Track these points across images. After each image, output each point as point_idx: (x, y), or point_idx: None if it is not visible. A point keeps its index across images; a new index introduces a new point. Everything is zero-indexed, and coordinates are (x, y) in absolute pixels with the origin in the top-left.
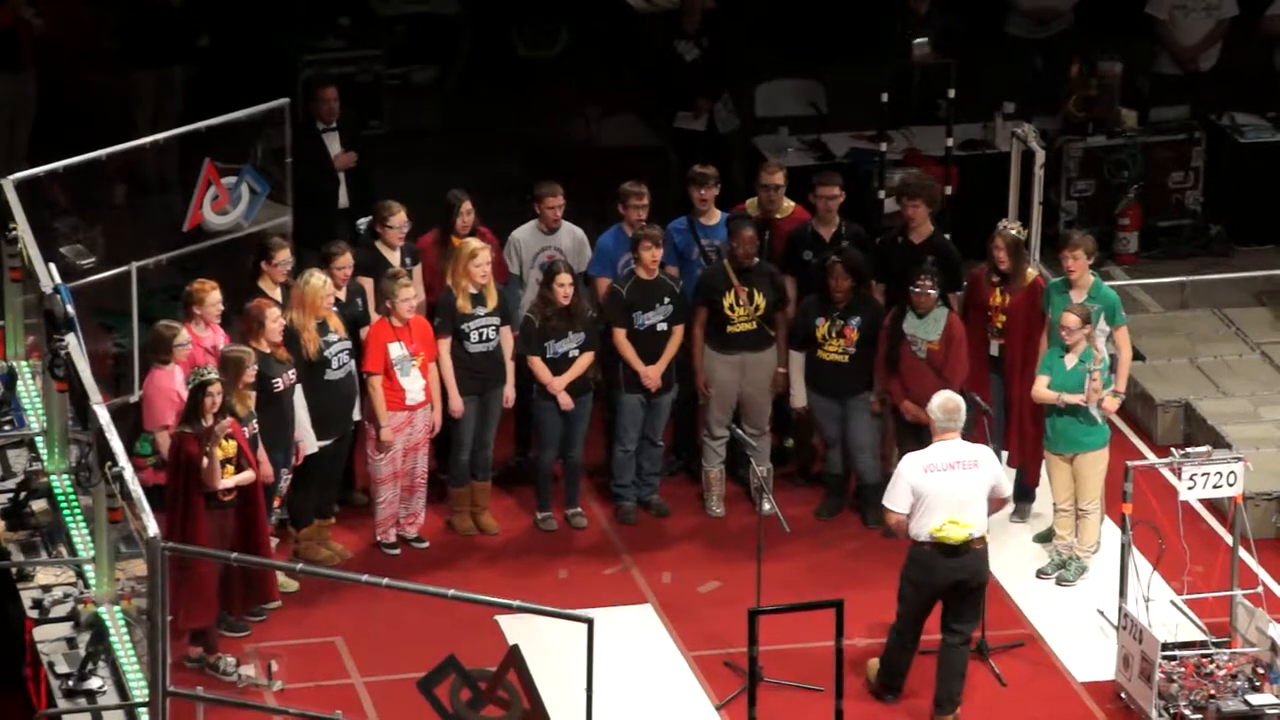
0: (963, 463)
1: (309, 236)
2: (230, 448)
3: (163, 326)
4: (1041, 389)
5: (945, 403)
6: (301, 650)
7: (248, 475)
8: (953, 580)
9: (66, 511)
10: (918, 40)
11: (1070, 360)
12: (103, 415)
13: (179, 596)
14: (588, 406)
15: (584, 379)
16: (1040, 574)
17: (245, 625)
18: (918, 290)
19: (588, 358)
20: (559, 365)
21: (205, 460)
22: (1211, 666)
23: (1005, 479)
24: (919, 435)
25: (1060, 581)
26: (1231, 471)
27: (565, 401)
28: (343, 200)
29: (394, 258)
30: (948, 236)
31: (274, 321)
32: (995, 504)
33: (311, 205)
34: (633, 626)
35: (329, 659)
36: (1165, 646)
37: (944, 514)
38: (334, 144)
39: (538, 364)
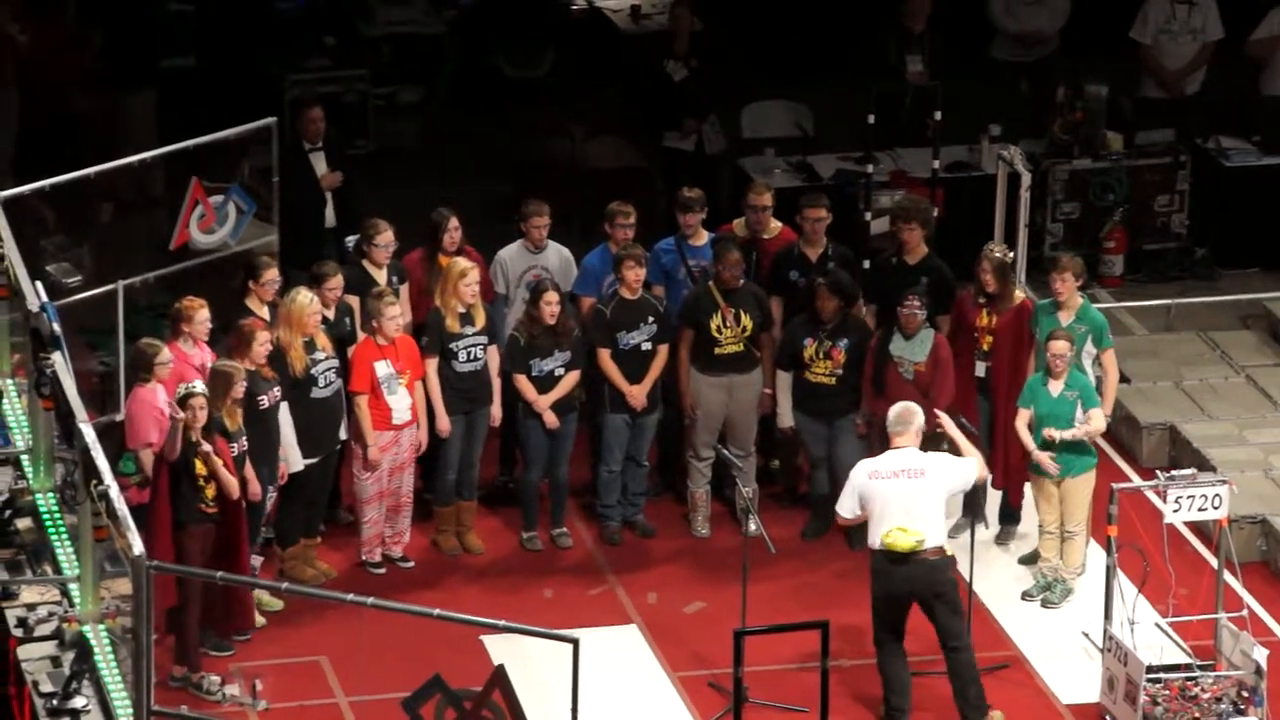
0: (908, 471)
1: (296, 256)
2: (214, 463)
3: (145, 344)
4: (1022, 428)
5: (899, 410)
6: (286, 669)
7: (232, 483)
8: (907, 590)
9: (51, 530)
10: (911, 58)
11: (1055, 387)
12: (88, 433)
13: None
14: (573, 425)
15: (569, 398)
16: (1025, 596)
17: (230, 644)
18: (905, 311)
19: (573, 376)
20: (544, 384)
21: (171, 419)
22: (1196, 689)
23: (960, 473)
24: None
25: (1045, 604)
26: (1216, 494)
27: (551, 420)
28: (329, 220)
29: (381, 276)
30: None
31: (262, 344)
32: (983, 491)
33: (298, 225)
34: (618, 647)
35: (314, 678)
36: (1150, 669)
37: (891, 521)
38: (320, 164)
39: (523, 382)
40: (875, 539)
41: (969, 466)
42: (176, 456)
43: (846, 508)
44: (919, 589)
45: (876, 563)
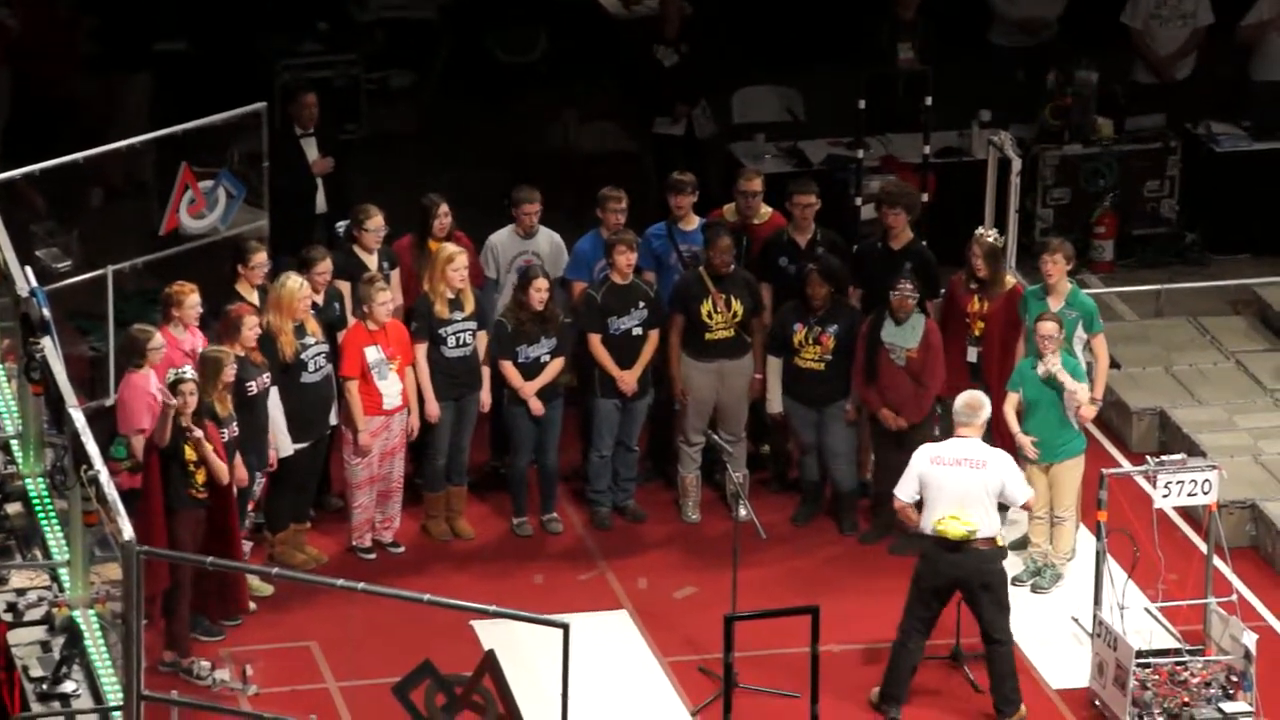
0: (970, 460)
1: (287, 241)
2: (199, 450)
3: (137, 330)
4: (1009, 411)
5: (968, 399)
6: (276, 655)
7: (222, 469)
8: (953, 577)
9: (41, 515)
10: (902, 45)
11: (1053, 359)
12: (78, 418)
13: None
14: (559, 411)
15: (554, 384)
16: (1015, 581)
17: (220, 629)
18: (898, 294)
19: (559, 363)
20: (530, 370)
21: (162, 405)
22: (1186, 674)
23: (1019, 485)
24: (898, 442)
25: (1035, 589)
26: (1206, 480)
27: (536, 407)
28: (320, 205)
29: (371, 261)
30: (925, 244)
31: (250, 329)
32: (1025, 508)
33: (289, 210)
34: (608, 632)
35: (304, 663)
36: (1140, 654)
37: (945, 508)
38: (312, 149)
39: (509, 368)
40: (927, 524)
41: (1026, 488)
42: (166, 443)
43: (907, 491)
44: (966, 577)
45: (926, 548)
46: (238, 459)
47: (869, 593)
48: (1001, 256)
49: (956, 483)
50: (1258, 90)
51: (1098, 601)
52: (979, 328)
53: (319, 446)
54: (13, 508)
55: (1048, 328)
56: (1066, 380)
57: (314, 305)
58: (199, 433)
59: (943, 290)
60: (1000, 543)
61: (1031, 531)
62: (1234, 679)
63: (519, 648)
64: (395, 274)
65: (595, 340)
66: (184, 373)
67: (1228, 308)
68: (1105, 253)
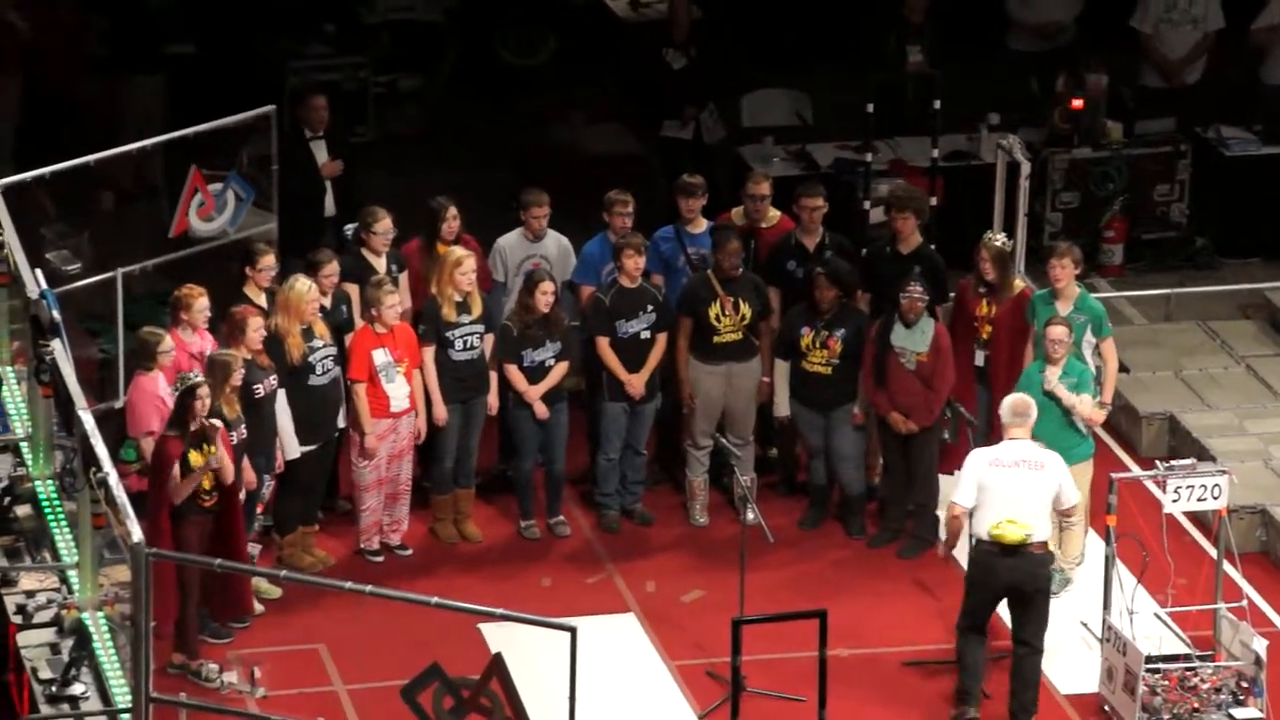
0: (1029, 462)
1: (296, 244)
2: (206, 454)
3: (147, 333)
4: None
5: (1015, 402)
6: (284, 657)
7: (229, 469)
8: (1009, 582)
9: (51, 517)
10: (911, 48)
11: (1054, 373)
12: (88, 421)
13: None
14: (564, 415)
15: (559, 388)
16: None
17: (228, 632)
18: (907, 298)
19: (563, 367)
20: (535, 374)
21: (176, 472)
22: (1195, 680)
23: (1072, 487)
24: (906, 446)
25: None
26: (1216, 484)
27: (541, 410)
28: (329, 208)
29: (379, 264)
30: (934, 248)
31: (255, 330)
32: (1064, 513)
33: (298, 213)
34: (616, 635)
35: (312, 666)
36: (1149, 659)
37: (1001, 512)
38: (321, 152)
39: (514, 372)
40: (982, 529)
41: (1076, 491)
42: (180, 500)
43: (966, 497)
44: (1021, 582)
45: (980, 554)
46: (245, 462)
47: (877, 596)
48: (1010, 260)
49: (1014, 485)
50: (1268, 94)
51: (1107, 606)
52: (987, 331)
53: (327, 449)
54: (22, 510)
55: (1058, 332)
56: (1064, 396)
57: (322, 308)
58: (218, 422)
59: (952, 294)
60: (1051, 547)
61: None
62: (1244, 685)
63: (526, 650)
64: (403, 277)
65: (603, 344)
66: (194, 378)
67: (1237, 312)
68: (1115, 257)
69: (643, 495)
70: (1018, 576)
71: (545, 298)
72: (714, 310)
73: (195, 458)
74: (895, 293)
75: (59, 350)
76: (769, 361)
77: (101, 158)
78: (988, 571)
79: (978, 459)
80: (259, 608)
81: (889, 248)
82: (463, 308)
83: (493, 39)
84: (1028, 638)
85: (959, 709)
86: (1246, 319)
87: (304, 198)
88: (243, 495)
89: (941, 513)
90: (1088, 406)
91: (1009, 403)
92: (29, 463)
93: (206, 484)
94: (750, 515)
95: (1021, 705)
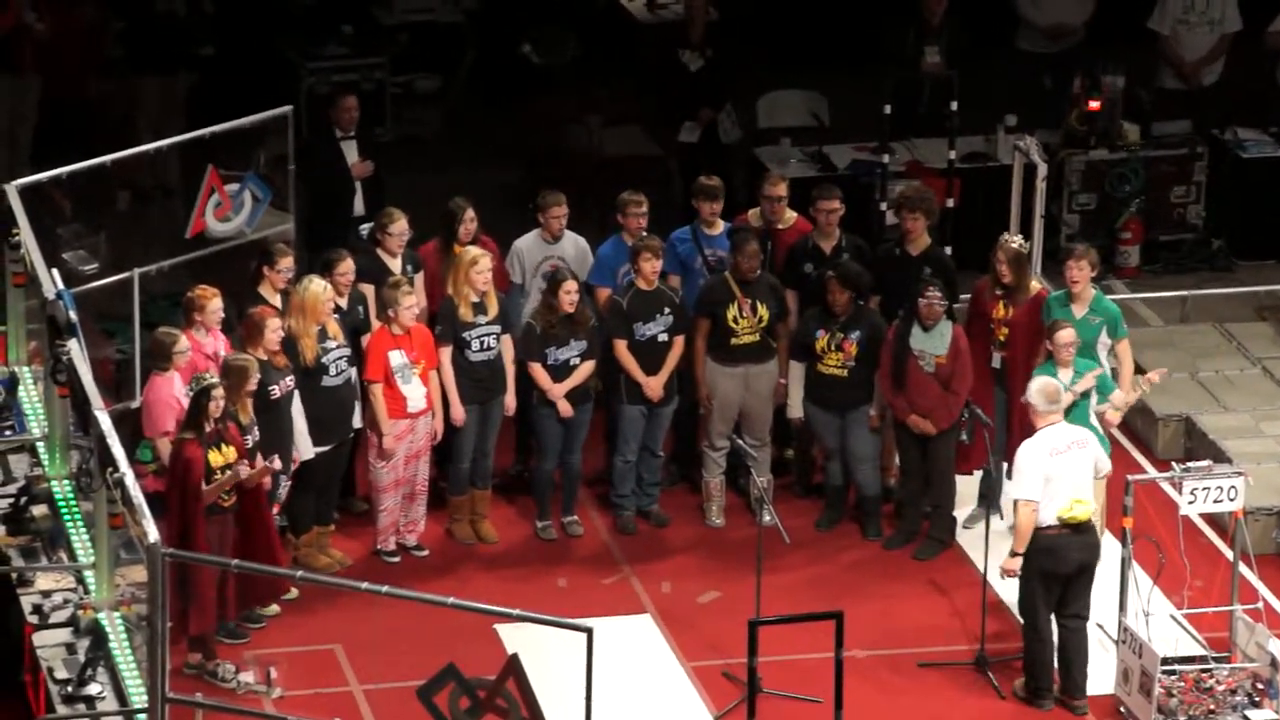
0: (1078, 442)
1: (323, 244)
2: (230, 453)
3: (162, 333)
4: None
5: (1044, 387)
6: (301, 657)
7: (244, 470)
8: (1080, 560)
9: (67, 517)
10: (928, 50)
11: (1064, 376)
12: (104, 421)
13: (179, 604)
14: (587, 415)
15: (584, 387)
16: None
17: (244, 632)
18: (925, 302)
19: (589, 366)
20: (560, 373)
21: (206, 484)
22: (1211, 681)
23: (1104, 455)
24: (923, 446)
25: None
26: (1232, 486)
27: (565, 409)
28: (358, 208)
29: (395, 265)
30: (947, 250)
31: (273, 331)
32: (999, 482)
33: (327, 213)
34: (632, 636)
35: (328, 666)
36: (1165, 661)
37: (1069, 494)
38: (351, 152)
39: (538, 370)
40: (1050, 516)
41: (1107, 459)
42: (209, 502)
43: (1034, 490)
44: (1090, 557)
45: (1050, 540)
46: (259, 458)
47: (893, 598)
48: (1027, 262)
49: (1073, 467)
50: None
51: (1123, 608)
52: (1003, 333)
53: (340, 450)
54: (39, 510)
55: (1066, 336)
56: (1084, 382)
57: (338, 308)
58: (229, 429)
59: (965, 295)
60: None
61: None
62: (1260, 686)
63: (543, 651)
64: (419, 278)
65: (621, 346)
66: (210, 379)
67: (1254, 314)
68: (1131, 258)
69: (659, 496)
70: (1086, 553)
71: (569, 297)
72: (732, 312)
73: (215, 457)
74: (912, 296)
75: (75, 350)
76: (785, 363)
77: (118, 158)
78: (1061, 555)
79: (1035, 451)
80: (275, 608)
81: (898, 249)
82: (479, 308)
83: (511, 41)
84: (1079, 610)
85: (1040, 700)
86: (1263, 321)
87: (331, 197)
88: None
89: (960, 514)
90: (1111, 415)
91: (1041, 389)
92: (46, 463)
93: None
94: (767, 516)
95: (1075, 684)
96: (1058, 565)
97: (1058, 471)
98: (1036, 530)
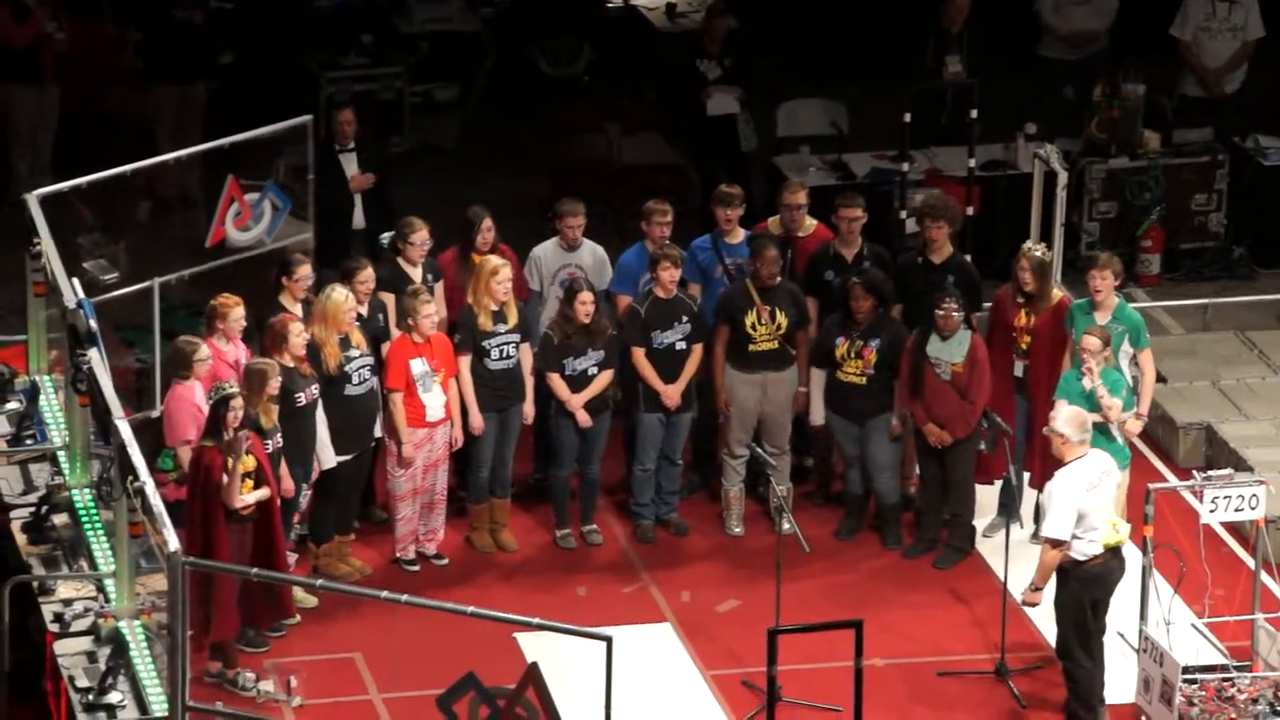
0: (1107, 471)
1: (324, 255)
2: (250, 462)
3: (183, 342)
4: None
5: (1074, 417)
6: (320, 666)
7: (264, 492)
8: (1121, 578)
9: (88, 526)
10: (948, 58)
11: (1089, 383)
12: (124, 430)
13: (201, 611)
14: (606, 424)
15: (602, 396)
16: None
17: (265, 640)
18: (942, 313)
19: (607, 375)
20: (578, 383)
21: (225, 477)
22: (1232, 690)
23: (1115, 465)
24: (940, 457)
25: None
26: (1254, 494)
27: (584, 419)
28: (358, 221)
29: (416, 274)
30: (968, 257)
31: (297, 336)
32: (1018, 492)
33: (328, 224)
34: (651, 645)
35: (348, 675)
36: (1186, 670)
37: (1105, 522)
38: (351, 165)
39: (556, 381)
40: (1094, 547)
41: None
42: (235, 506)
43: (1067, 528)
44: (1124, 574)
45: (1100, 569)
46: (283, 469)
47: (913, 607)
48: (1049, 271)
49: (1106, 497)
50: None
51: (1144, 617)
52: (1026, 342)
53: (363, 459)
54: (60, 519)
55: (1093, 342)
56: (1104, 396)
57: (359, 317)
58: (248, 439)
59: (987, 304)
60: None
61: None
62: None
63: (562, 660)
64: (438, 286)
65: (639, 354)
66: (230, 389)
67: (1275, 322)
68: (1152, 266)
69: (678, 505)
70: (1123, 570)
71: (584, 307)
72: (751, 319)
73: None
74: (929, 304)
75: (96, 359)
76: (805, 371)
77: (138, 167)
78: (1109, 580)
79: (1071, 488)
80: (295, 617)
81: (920, 257)
82: (499, 317)
83: (529, 50)
84: (1103, 624)
85: (1094, 716)
86: None
87: (333, 210)
88: (279, 502)
89: (980, 523)
90: (1116, 412)
91: (1072, 418)
92: (66, 472)
93: (248, 488)
94: (786, 525)
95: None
96: (1107, 591)
97: (1094, 506)
98: (1083, 563)
